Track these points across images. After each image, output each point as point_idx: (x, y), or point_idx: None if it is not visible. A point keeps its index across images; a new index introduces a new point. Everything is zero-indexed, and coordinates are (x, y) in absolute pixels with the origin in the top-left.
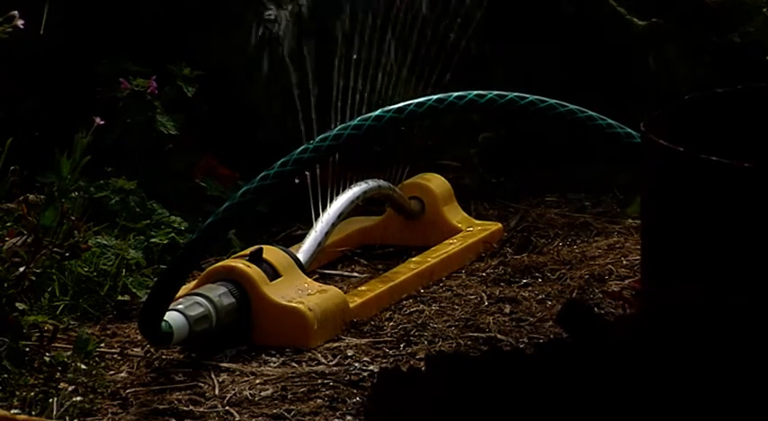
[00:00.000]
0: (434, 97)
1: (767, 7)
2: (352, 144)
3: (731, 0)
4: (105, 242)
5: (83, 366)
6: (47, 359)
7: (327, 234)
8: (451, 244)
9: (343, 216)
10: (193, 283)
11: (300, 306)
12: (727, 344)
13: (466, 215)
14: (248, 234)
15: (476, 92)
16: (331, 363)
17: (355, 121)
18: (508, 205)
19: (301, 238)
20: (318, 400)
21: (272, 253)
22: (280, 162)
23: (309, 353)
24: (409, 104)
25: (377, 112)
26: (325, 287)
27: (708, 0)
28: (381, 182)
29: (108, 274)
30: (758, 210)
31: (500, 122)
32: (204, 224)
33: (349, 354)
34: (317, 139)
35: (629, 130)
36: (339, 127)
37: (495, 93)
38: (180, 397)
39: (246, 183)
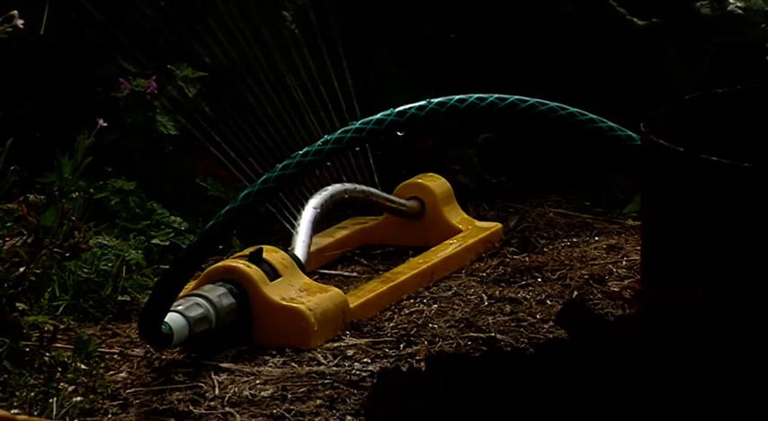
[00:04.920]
0: (435, 100)
1: (765, 23)
2: (354, 146)
3: (728, 13)
4: (106, 242)
5: (83, 366)
6: (47, 359)
7: (311, 237)
8: (451, 244)
9: (317, 221)
10: (193, 284)
11: (300, 306)
12: (726, 345)
13: (466, 215)
14: (248, 234)
15: (477, 95)
16: (331, 363)
17: (357, 124)
18: (508, 205)
19: None
20: (318, 400)
21: (272, 253)
22: (281, 165)
23: (309, 354)
24: (410, 108)
25: (378, 116)
26: (325, 287)
27: (704, 13)
28: (347, 184)
29: (108, 275)
30: (758, 210)
31: (500, 123)
32: (205, 227)
33: (349, 354)
34: (319, 142)
35: (630, 133)
36: (341, 130)
37: (496, 96)
38: (180, 397)
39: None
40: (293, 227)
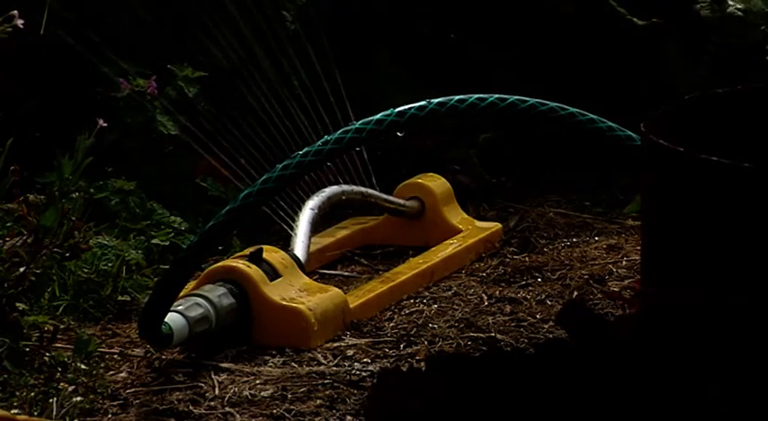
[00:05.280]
0: (435, 101)
1: (765, 25)
2: (354, 147)
3: (728, 15)
4: (106, 242)
5: (83, 366)
6: (47, 359)
7: (310, 238)
8: (451, 244)
9: (315, 222)
10: (193, 284)
11: (300, 306)
12: (726, 345)
13: (466, 215)
14: (248, 234)
15: (477, 95)
16: (331, 363)
17: (357, 125)
18: (508, 205)
19: None
20: (318, 400)
21: (272, 253)
22: (281, 165)
23: (309, 354)
24: (410, 108)
25: (378, 116)
26: (325, 287)
27: (704, 15)
28: (344, 186)
29: (108, 275)
30: (758, 210)
31: (500, 123)
32: (205, 227)
33: (349, 354)
34: (319, 142)
35: (630, 133)
36: (341, 130)
37: (496, 96)
38: (180, 397)
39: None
40: (291, 228)
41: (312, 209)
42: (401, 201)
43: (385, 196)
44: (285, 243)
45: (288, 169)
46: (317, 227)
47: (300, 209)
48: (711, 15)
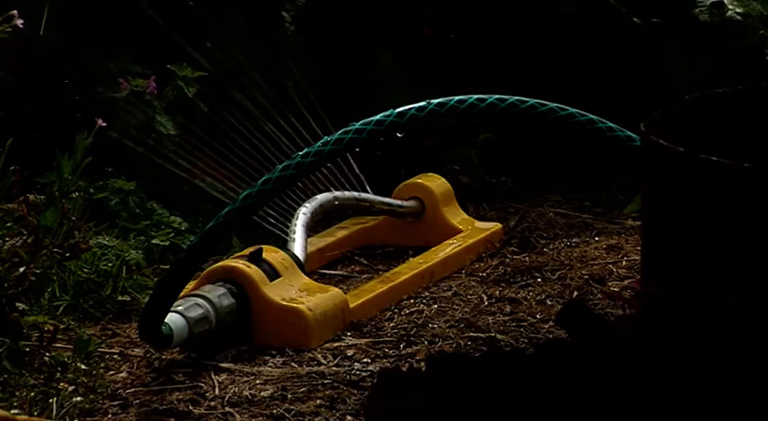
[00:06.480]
0: (435, 101)
1: (764, 29)
2: (354, 148)
3: (728, 19)
4: (106, 242)
5: (83, 366)
6: (47, 359)
7: (306, 240)
8: (451, 244)
9: (309, 225)
10: (193, 284)
11: (300, 306)
12: (726, 345)
13: (466, 215)
14: (248, 234)
15: (476, 96)
16: (331, 363)
17: (357, 125)
18: (508, 205)
19: None
20: (318, 400)
21: (271, 253)
22: (281, 166)
23: (309, 354)
24: (410, 109)
25: (378, 117)
26: (325, 287)
27: (702, 19)
28: (336, 192)
29: (108, 275)
30: (758, 211)
31: (500, 123)
32: (205, 228)
33: (349, 354)
34: (319, 143)
35: (630, 133)
36: (341, 131)
37: (496, 96)
38: (180, 397)
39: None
40: (286, 234)
41: (305, 214)
42: (397, 203)
43: (380, 199)
44: (285, 243)
45: (288, 170)
46: (310, 231)
47: (292, 216)
48: (710, 20)
